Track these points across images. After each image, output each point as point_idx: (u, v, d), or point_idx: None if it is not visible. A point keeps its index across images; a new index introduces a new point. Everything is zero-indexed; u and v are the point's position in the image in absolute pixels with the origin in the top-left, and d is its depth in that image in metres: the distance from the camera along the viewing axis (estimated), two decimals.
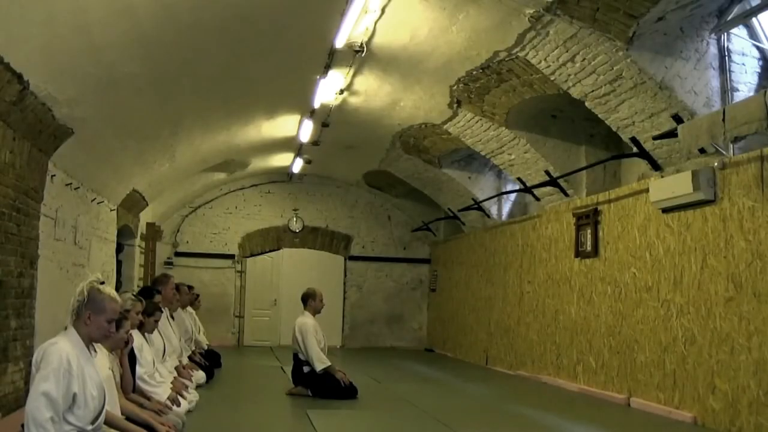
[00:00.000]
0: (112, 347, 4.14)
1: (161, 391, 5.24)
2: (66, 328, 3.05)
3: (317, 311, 7.48)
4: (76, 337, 3.01)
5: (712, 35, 5.93)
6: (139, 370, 4.93)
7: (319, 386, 7.09)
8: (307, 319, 7.34)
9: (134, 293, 5.67)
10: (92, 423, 2.95)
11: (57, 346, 2.91)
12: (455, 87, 7.68)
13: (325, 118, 9.30)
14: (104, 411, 3.07)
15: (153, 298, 6.25)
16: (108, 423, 3.28)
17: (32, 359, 2.95)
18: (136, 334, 5.00)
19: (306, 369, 7.20)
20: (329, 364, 7.15)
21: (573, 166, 8.34)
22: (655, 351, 6.64)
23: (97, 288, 3.05)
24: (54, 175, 6.39)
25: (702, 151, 5.99)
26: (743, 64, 6.09)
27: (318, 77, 7.53)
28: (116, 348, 4.25)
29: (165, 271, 7.78)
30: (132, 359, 4.73)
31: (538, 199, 9.33)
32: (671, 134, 6.10)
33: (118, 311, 3.17)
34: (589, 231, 8.02)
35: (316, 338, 7.20)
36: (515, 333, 10.01)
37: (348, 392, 7.05)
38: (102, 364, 3.64)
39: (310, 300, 7.48)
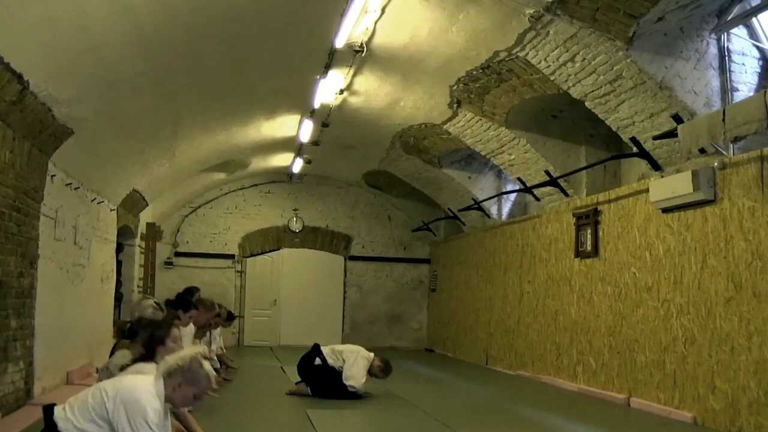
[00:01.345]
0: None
1: None
2: (155, 381, 3.16)
3: (373, 374, 7.23)
4: (162, 393, 3.13)
5: (712, 35, 5.93)
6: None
7: (319, 385, 7.09)
8: (365, 353, 7.26)
9: (156, 301, 5.53)
10: None
11: (150, 398, 3.03)
12: (455, 87, 7.68)
13: (325, 118, 9.29)
14: None
15: (188, 309, 6.24)
16: None
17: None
18: None
19: (317, 362, 7.20)
20: (361, 390, 7.10)
21: (573, 166, 8.34)
22: (655, 351, 6.64)
23: (200, 362, 3.17)
24: (54, 175, 6.40)
25: (702, 151, 5.99)
26: (743, 64, 6.09)
27: (318, 77, 7.53)
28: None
29: (212, 300, 7.53)
30: None
31: (538, 199, 9.34)
32: (671, 134, 6.10)
33: (209, 390, 3.28)
34: (589, 231, 8.02)
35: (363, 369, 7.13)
36: (515, 333, 10.01)
37: (348, 392, 7.04)
38: None
39: (379, 365, 7.27)
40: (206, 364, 3.21)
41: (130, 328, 4.72)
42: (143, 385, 3.13)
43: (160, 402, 3.09)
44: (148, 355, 3.95)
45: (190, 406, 3.40)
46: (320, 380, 7.11)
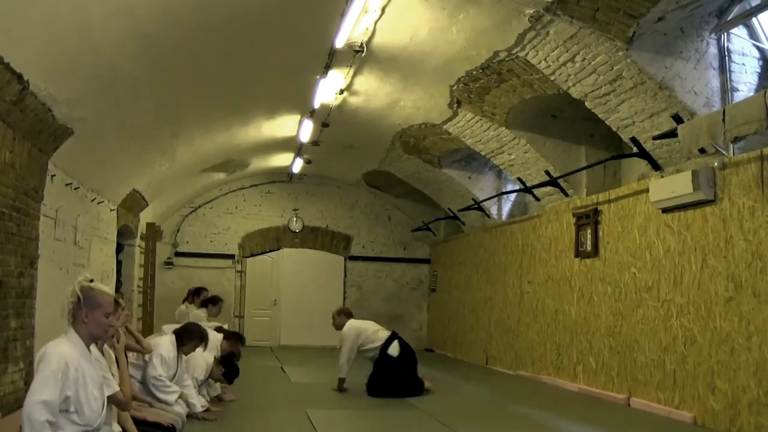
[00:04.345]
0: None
1: (171, 399, 5.19)
2: (66, 332, 3.08)
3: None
4: (77, 338, 3.04)
5: (712, 35, 5.93)
6: (152, 371, 5.10)
7: (373, 384, 7.42)
8: (354, 324, 7.71)
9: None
10: (96, 421, 3.00)
11: (58, 348, 2.95)
12: (455, 87, 7.68)
13: (325, 118, 9.29)
14: (105, 409, 3.11)
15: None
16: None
17: (33, 359, 3.00)
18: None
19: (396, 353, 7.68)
20: (343, 377, 7.50)
21: (573, 166, 8.34)
22: (655, 351, 6.64)
23: (89, 286, 3.10)
24: (54, 175, 6.39)
25: (702, 151, 5.99)
26: (743, 64, 6.09)
27: (318, 77, 7.53)
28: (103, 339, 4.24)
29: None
30: None
31: (538, 199, 9.34)
32: (671, 134, 6.10)
33: (113, 303, 3.21)
34: (589, 231, 8.02)
35: (351, 347, 7.57)
36: (515, 333, 10.01)
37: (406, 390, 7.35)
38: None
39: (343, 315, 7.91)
40: (96, 284, 3.13)
41: None
42: (55, 344, 3.00)
43: (75, 348, 2.98)
44: None
45: (111, 329, 3.31)
46: (372, 382, 7.51)
